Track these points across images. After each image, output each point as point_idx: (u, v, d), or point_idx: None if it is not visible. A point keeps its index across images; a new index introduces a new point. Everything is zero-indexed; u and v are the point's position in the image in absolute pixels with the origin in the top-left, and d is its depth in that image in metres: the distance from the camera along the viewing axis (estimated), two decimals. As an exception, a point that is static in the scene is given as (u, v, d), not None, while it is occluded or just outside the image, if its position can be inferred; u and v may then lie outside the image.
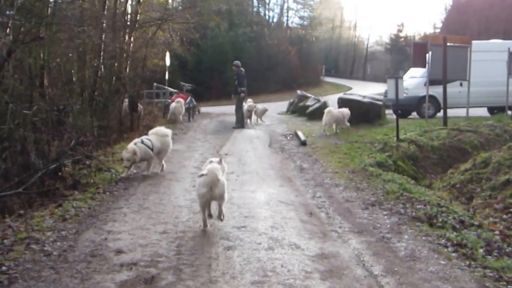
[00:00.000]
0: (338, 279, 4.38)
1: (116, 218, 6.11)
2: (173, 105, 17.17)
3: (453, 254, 5.09)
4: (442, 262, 4.87)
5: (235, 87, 16.53)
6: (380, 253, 5.13)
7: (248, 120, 17.50)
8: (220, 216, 5.78)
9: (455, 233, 5.75)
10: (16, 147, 7.81)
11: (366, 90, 32.04)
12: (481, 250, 5.22)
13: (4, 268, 4.44)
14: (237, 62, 17.02)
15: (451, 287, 4.29)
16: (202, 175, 5.77)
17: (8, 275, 4.29)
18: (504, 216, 7.20)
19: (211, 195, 5.62)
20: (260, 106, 18.12)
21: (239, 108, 16.65)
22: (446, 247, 5.32)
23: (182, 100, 17.61)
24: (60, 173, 7.87)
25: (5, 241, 5.13)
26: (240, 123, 16.56)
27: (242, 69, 16.84)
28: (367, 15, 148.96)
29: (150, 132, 9.17)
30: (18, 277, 4.27)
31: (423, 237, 5.63)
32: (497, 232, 6.16)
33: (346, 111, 14.99)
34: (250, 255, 4.87)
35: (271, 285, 4.17)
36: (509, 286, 4.32)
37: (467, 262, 4.86)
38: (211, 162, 6.11)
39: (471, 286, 4.31)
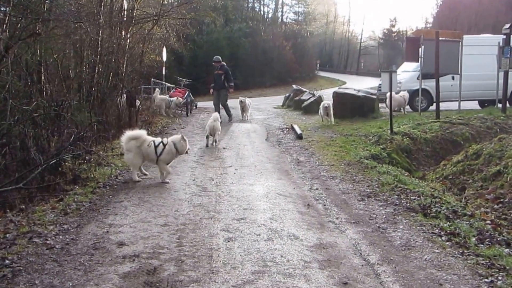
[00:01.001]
0: (336, 268, 4.48)
1: (117, 211, 6.18)
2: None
3: (447, 243, 5.20)
4: (436, 250, 4.98)
5: (222, 82, 16.38)
6: (376, 242, 5.24)
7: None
8: (214, 143, 11.48)
9: (448, 223, 5.86)
10: (15, 143, 7.85)
11: (360, 84, 32.21)
12: (473, 239, 5.32)
13: (7, 261, 4.49)
14: (218, 57, 16.88)
15: (445, 274, 4.39)
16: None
17: (12, 268, 4.34)
18: (495, 206, 7.32)
19: (213, 127, 11.21)
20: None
21: (225, 103, 16.70)
22: (440, 236, 5.42)
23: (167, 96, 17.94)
24: (60, 168, 7.89)
25: (7, 235, 5.17)
26: (231, 116, 16.72)
27: (224, 63, 16.84)
28: (360, 10, 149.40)
29: (133, 136, 7.98)
30: (21, 270, 4.33)
31: (418, 227, 5.73)
32: (488, 221, 6.28)
33: (406, 95, 15.79)
34: (250, 246, 4.96)
35: (271, 275, 4.25)
36: (501, 273, 4.42)
37: (460, 251, 4.97)
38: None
39: (464, 273, 4.42)
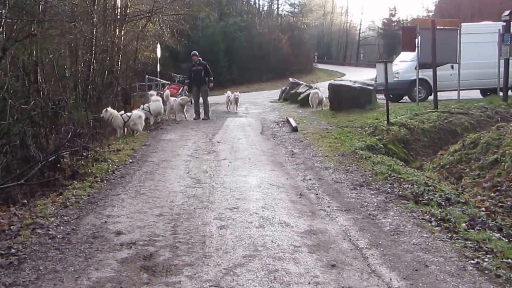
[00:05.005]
0: (325, 252, 4.63)
1: (114, 203, 6.37)
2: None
3: (436, 228, 5.31)
4: (425, 235, 5.10)
5: (202, 77, 15.93)
6: (366, 228, 5.36)
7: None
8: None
9: (439, 210, 5.96)
10: (15, 142, 8.03)
11: (359, 76, 32.05)
12: (463, 224, 5.40)
13: (13, 250, 4.73)
14: (196, 52, 16.33)
15: (432, 257, 4.52)
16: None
17: (18, 256, 4.58)
18: (492, 194, 7.39)
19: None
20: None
21: (207, 98, 16.25)
22: (430, 222, 5.53)
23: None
24: (59, 165, 8.12)
25: (12, 227, 5.42)
26: (209, 113, 16.28)
27: (200, 58, 16.35)
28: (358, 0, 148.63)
29: None
30: (26, 257, 4.57)
31: (408, 213, 5.84)
32: (483, 208, 6.38)
33: None
34: (242, 232, 5.12)
35: (261, 258, 4.42)
36: (487, 255, 4.53)
37: (449, 235, 5.08)
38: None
39: (451, 255, 4.54)
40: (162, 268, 4.27)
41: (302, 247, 4.76)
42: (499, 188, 7.58)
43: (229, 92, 19.15)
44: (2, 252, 4.70)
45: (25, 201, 6.62)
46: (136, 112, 12.73)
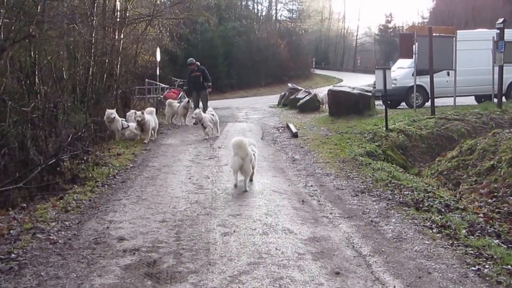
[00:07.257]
0: (329, 260, 4.64)
1: (116, 209, 6.34)
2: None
3: (437, 235, 5.36)
4: (427, 242, 5.14)
5: (201, 83, 16.06)
6: (368, 235, 5.39)
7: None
8: None
9: (440, 216, 6.00)
10: (14, 144, 7.97)
11: (357, 82, 32.20)
12: (463, 231, 5.45)
13: (13, 255, 4.67)
14: (192, 60, 16.54)
15: (434, 264, 4.56)
16: None
17: (18, 262, 4.53)
18: (489, 200, 7.46)
19: None
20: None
21: (206, 103, 16.14)
22: (431, 228, 5.57)
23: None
24: (59, 168, 8.04)
25: (11, 231, 5.35)
26: None
27: (198, 63, 16.49)
28: (355, 6, 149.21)
29: None
30: (27, 263, 4.52)
31: (410, 220, 5.88)
32: (481, 214, 6.42)
33: None
34: (246, 239, 5.11)
35: (266, 266, 4.42)
36: (488, 262, 4.59)
37: (450, 242, 5.13)
38: None
39: (452, 262, 4.59)
40: (166, 275, 4.25)
41: (306, 255, 4.76)
42: (495, 194, 7.67)
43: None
44: (2, 257, 4.66)
45: (25, 205, 6.55)
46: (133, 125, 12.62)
